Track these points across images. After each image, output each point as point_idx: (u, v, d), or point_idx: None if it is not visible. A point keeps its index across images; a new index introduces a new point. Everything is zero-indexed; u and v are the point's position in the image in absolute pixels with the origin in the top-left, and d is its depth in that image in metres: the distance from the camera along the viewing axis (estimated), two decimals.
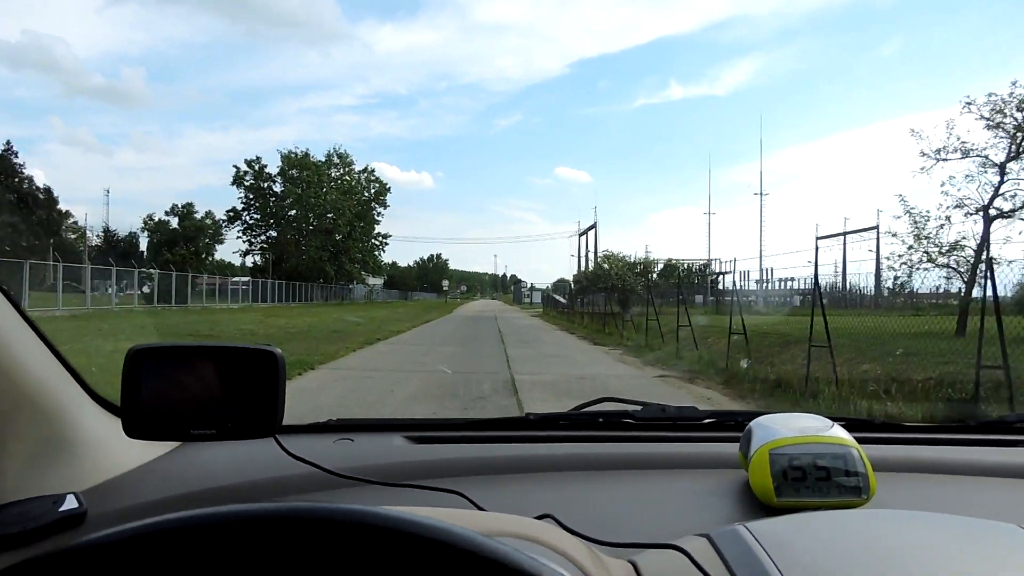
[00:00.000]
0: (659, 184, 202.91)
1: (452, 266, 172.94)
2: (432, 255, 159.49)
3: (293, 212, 64.59)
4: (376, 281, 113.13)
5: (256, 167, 63.37)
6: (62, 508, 0.95)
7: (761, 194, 60.01)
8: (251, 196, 63.85)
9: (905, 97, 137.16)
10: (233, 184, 63.33)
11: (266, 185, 64.30)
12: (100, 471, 1.09)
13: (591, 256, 62.99)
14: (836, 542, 0.76)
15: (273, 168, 65.05)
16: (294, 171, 63.86)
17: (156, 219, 63.10)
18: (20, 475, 0.98)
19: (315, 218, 64.72)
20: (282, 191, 64.16)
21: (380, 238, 72.79)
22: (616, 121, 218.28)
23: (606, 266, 41.52)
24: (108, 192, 76.68)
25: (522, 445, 1.35)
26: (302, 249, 63.10)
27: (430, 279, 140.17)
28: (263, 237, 64.77)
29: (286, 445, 1.03)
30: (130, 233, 61.16)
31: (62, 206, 54.18)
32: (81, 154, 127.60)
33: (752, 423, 1.15)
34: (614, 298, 29.61)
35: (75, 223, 58.25)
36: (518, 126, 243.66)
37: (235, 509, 0.56)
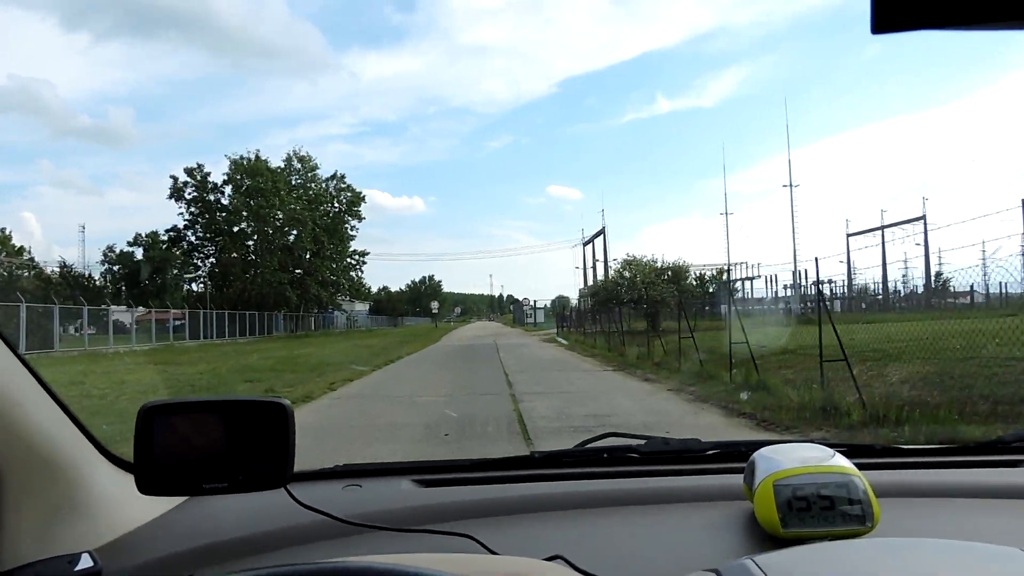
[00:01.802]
0: (652, 197, 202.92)
1: (447, 289, 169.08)
2: (424, 277, 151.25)
3: (245, 228, 53.60)
4: (360, 306, 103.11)
5: (199, 176, 52.53)
6: (78, 567, 0.95)
7: (791, 186, 54.09)
8: (195, 211, 53.02)
9: (892, 100, 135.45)
10: (171, 198, 52.45)
11: (213, 198, 53.48)
12: (113, 528, 1.10)
13: (598, 267, 54.00)
14: (845, 573, 0.77)
15: (221, 177, 54.27)
16: (245, 179, 53.06)
17: (118, 251, 53.24)
18: (35, 535, 0.98)
19: (272, 234, 53.68)
20: (230, 203, 53.30)
21: (357, 256, 61.92)
22: (605, 137, 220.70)
23: (627, 274, 35.37)
24: (84, 228, 69.33)
25: (529, 484, 1.35)
26: (253, 272, 52.05)
27: (423, 303, 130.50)
28: (212, 260, 53.80)
29: (295, 493, 1.02)
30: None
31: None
32: (73, 196, 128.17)
33: (755, 455, 1.15)
34: (639, 312, 26.46)
35: (31, 259, 54.52)
36: (508, 147, 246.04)
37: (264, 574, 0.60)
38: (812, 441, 1.20)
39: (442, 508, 1.23)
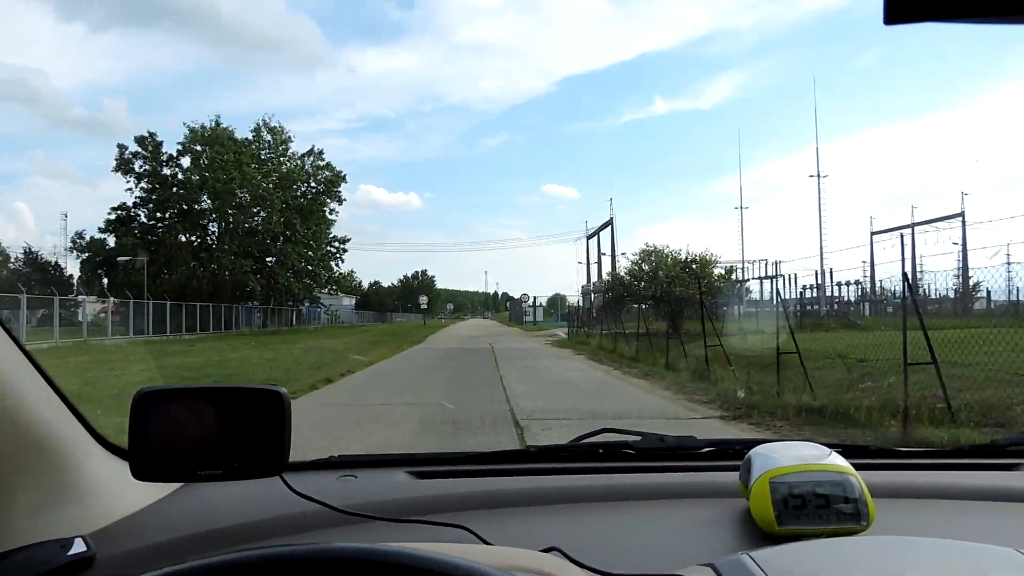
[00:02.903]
0: (648, 198, 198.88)
1: (440, 285, 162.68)
2: (417, 272, 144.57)
3: (202, 207, 46.44)
4: (347, 300, 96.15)
5: (150, 145, 45.41)
6: (70, 552, 0.95)
7: (819, 176, 47.95)
8: (148, 186, 45.88)
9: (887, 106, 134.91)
10: (117, 170, 45.25)
11: (170, 173, 46.42)
12: (107, 513, 1.09)
13: (604, 261, 47.57)
14: (838, 570, 0.78)
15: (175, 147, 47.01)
16: (201, 149, 45.93)
17: (89, 238, 46.28)
18: (28, 519, 0.98)
19: (232, 214, 46.61)
20: (186, 178, 46.11)
21: (337, 244, 54.94)
22: (602, 137, 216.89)
23: (646, 266, 30.25)
24: (66, 216, 60.75)
25: (524, 478, 1.35)
26: (206, 256, 44.99)
27: (414, 298, 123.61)
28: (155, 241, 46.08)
29: (290, 482, 1.02)
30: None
31: None
32: (66, 186, 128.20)
33: (751, 452, 1.15)
34: (659, 311, 24.37)
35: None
36: (504, 145, 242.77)
37: (248, 555, 0.60)
38: (808, 440, 1.19)
39: (437, 499, 1.24)
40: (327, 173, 52.67)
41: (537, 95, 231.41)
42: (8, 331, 0.96)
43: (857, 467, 1.08)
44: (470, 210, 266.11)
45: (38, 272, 46.60)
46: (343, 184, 53.57)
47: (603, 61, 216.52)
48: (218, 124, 46.70)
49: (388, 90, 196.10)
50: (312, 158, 52.22)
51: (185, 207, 45.85)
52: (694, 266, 31.50)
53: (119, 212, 45.57)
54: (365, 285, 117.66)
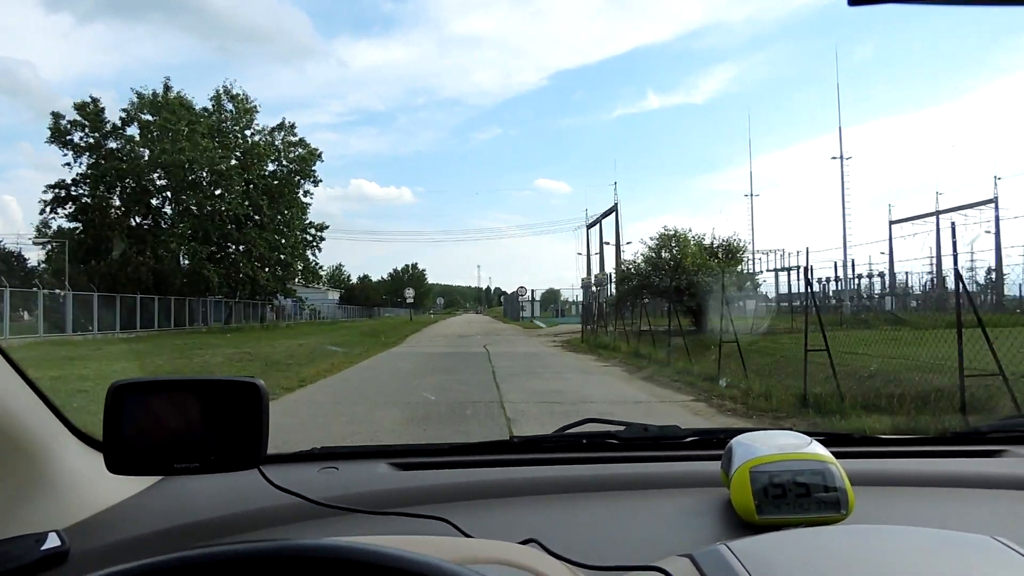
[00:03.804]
0: (640, 193, 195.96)
1: (432, 280, 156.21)
2: (408, 265, 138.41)
3: (147, 183, 39.98)
4: (333, 294, 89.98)
5: (91, 112, 39.02)
6: (44, 547, 0.93)
7: (842, 159, 43.33)
8: (90, 161, 39.55)
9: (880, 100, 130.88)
10: (52, 141, 38.65)
11: (117, 145, 40.09)
12: (82, 507, 1.07)
13: (603, 253, 41.96)
14: (817, 559, 0.78)
15: (118, 114, 40.42)
16: (153, 119, 39.57)
17: (55, 227, 39.61)
18: (0, 513, 0.96)
19: (180, 191, 40.07)
20: (129, 149, 39.52)
21: (314, 231, 48.79)
22: (595, 131, 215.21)
23: (665, 253, 26.31)
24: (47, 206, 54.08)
25: (507, 469, 1.33)
26: (143, 240, 38.44)
27: (404, 293, 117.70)
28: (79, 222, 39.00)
29: (270, 475, 1.01)
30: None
31: None
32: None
33: (733, 441, 1.14)
34: (683, 306, 20.91)
35: None
36: (496, 139, 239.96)
37: (221, 550, 0.59)
38: (790, 429, 1.17)
39: (419, 491, 1.22)
40: (300, 150, 46.46)
41: (530, 89, 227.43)
42: None
43: (838, 455, 1.08)
44: (463, 205, 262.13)
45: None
46: (319, 163, 47.27)
47: (596, 55, 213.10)
48: (167, 88, 40.40)
49: (380, 83, 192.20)
50: (283, 132, 46.03)
51: (135, 185, 39.61)
52: (720, 253, 27.31)
53: (56, 191, 39.30)
54: (355, 279, 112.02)
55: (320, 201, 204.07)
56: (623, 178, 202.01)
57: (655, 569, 0.79)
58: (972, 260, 37.92)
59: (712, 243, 26.97)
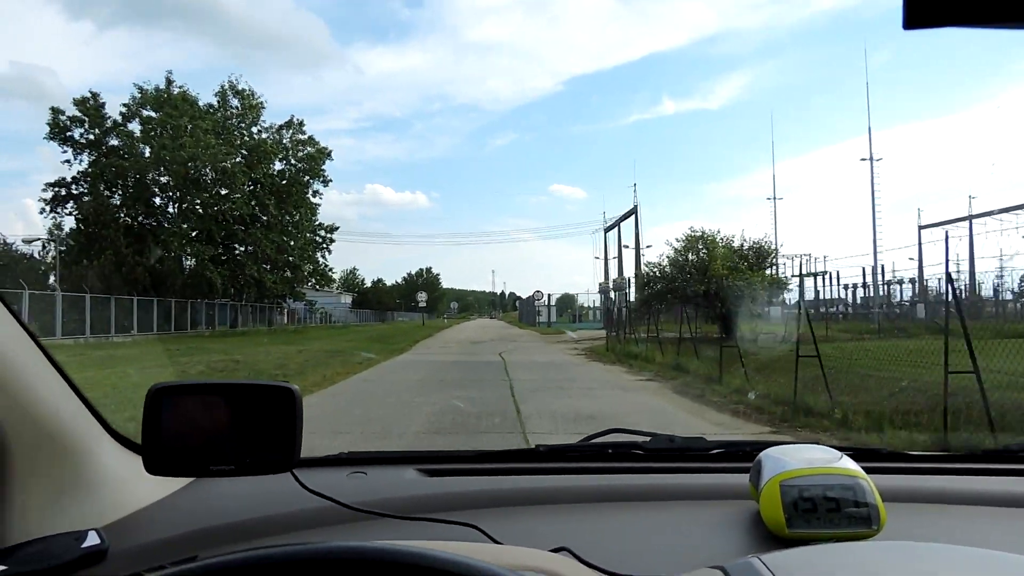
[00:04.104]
0: (655, 198, 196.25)
1: (446, 284, 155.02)
2: (422, 269, 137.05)
3: (149, 181, 38.36)
4: (347, 298, 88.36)
5: (92, 108, 37.50)
6: (84, 544, 0.95)
7: (871, 159, 41.47)
8: (91, 158, 37.98)
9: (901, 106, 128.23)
10: (52, 138, 37.24)
11: (119, 143, 38.54)
12: (120, 507, 1.10)
13: (622, 257, 39.89)
14: (849, 575, 0.77)
15: (119, 110, 38.79)
16: (157, 116, 37.92)
17: (68, 228, 38.42)
18: (42, 512, 0.98)
19: (183, 190, 38.36)
20: (129, 147, 37.86)
21: (324, 232, 47.09)
22: (610, 137, 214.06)
23: (692, 256, 25.15)
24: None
25: (533, 477, 1.35)
26: (140, 239, 36.65)
27: (417, 297, 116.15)
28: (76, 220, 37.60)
29: (301, 478, 1.02)
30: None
31: None
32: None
33: (762, 454, 1.14)
34: (711, 311, 21.37)
35: None
36: (512, 145, 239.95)
37: (267, 553, 0.61)
38: (819, 443, 1.17)
39: (447, 497, 1.23)
40: (309, 148, 44.81)
41: (545, 95, 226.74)
42: (25, 327, 0.96)
43: (868, 471, 1.08)
44: (477, 209, 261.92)
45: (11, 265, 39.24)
46: (329, 162, 45.65)
47: (611, 60, 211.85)
48: (170, 82, 38.92)
49: (396, 89, 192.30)
50: (291, 131, 44.40)
51: (136, 183, 38.08)
52: (751, 256, 25.49)
53: (55, 189, 37.88)
54: (369, 283, 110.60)
55: (335, 206, 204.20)
56: (639, 184, 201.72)
57: None
58: (1001, 266, 35.67)
59: (742, 245, 25.24)
